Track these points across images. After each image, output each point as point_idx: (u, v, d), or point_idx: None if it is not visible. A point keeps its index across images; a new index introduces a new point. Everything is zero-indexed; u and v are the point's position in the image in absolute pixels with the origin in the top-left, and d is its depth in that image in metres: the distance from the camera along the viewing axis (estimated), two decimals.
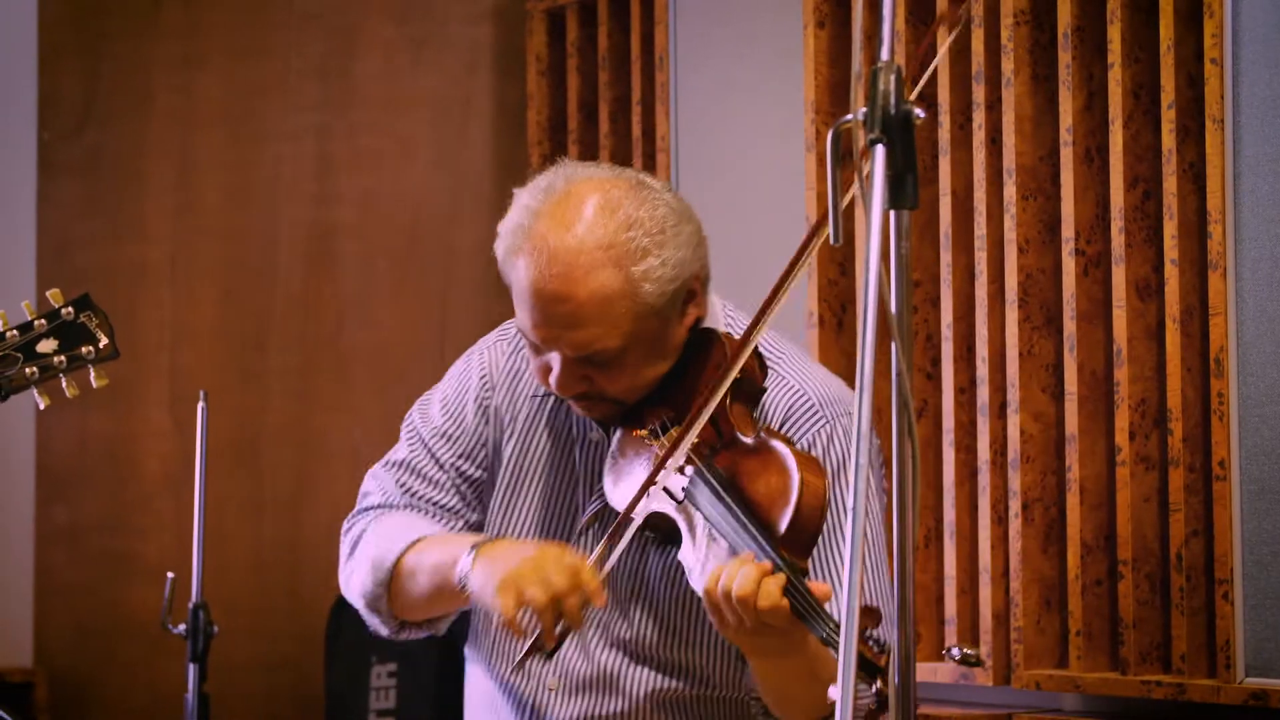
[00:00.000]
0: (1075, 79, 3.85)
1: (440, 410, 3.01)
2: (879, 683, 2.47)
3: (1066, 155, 3.85)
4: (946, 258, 4.05)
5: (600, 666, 2.89)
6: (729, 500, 2.67)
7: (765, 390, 2.84)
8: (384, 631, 2.97)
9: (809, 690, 2.70)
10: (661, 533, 2.79)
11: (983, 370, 3.96)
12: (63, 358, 3.18)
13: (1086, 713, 3.89)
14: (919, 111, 2.06)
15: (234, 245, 5.32)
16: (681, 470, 2.74)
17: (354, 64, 5.36)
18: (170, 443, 5.24)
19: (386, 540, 2.92)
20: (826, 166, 2.49)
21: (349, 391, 5.33)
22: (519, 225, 2.79)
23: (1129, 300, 3.75)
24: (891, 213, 2.06)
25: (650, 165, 4.85)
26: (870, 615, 2.61)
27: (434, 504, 2.99)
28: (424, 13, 5.38)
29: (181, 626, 3.83)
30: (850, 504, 1.96)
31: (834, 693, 1.94)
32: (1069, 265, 3.84)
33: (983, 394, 3.96)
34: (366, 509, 3.04)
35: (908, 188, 2.05)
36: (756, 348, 2.78)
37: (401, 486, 3.00)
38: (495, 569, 2.71)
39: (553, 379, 2.81)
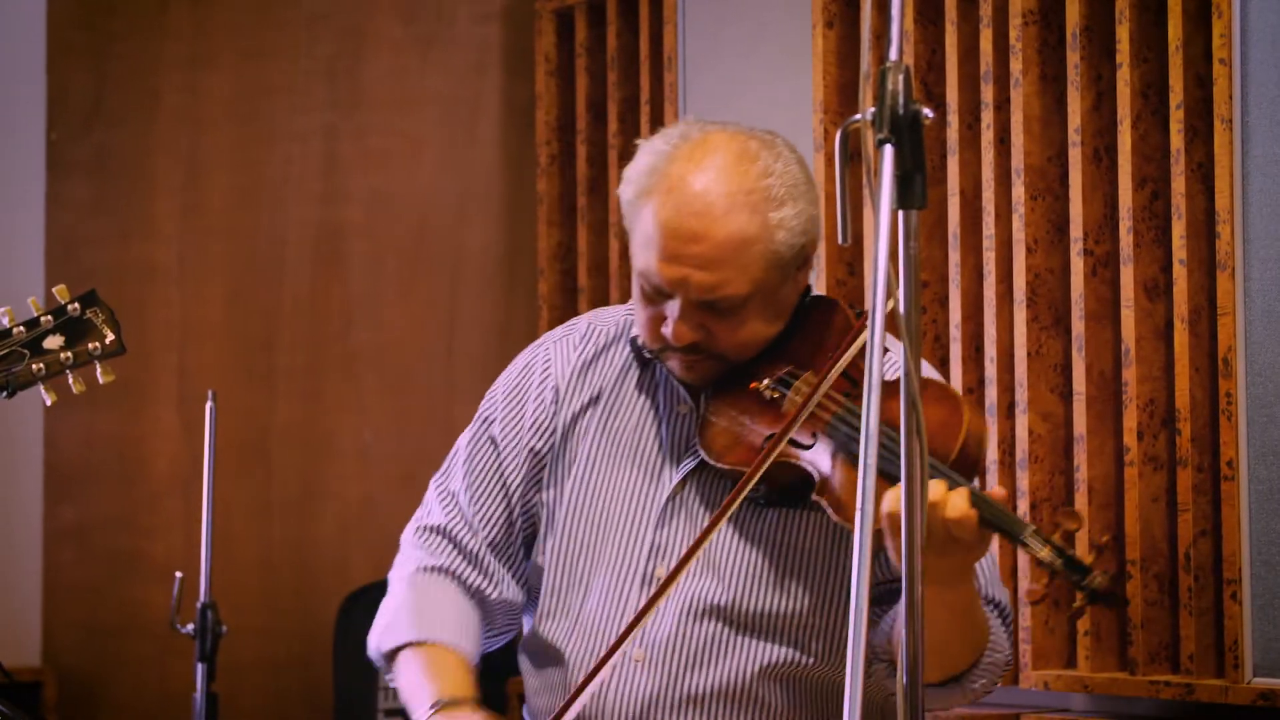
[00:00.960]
0: (1084, 79, 3.84)
1: (503, 396, 3.03)
2: (1094, 576, 2.50)
3: (1075, 155, 3.85)
4: (955, 258, 4.05)
5: (689, 636, 2.84)
6: (890, 433, 2.58)
7: (889, 350, 2.80)
8: (385, 677, 3.03)
9: (965, 631, 2.69)
10: (774, 489, 2.78)
11: (991, 370, 3.96)
12: (69, 354, 3.19)
13: (1095, 713, 3.89)
14: (927, 111, 2.06)
15: (242, 245, 5.33)
16: (814, 417, 2.72)
17: (362, 64, 5.36)
18: (178, 442, 5.25)
19: (396, 623, 2.96)
20: (835, 166, 2.49)
21: (357, 391, 5.33)
22: (652, 167, 2.79)
23: (1137, 300, 3.75)
24: (900, 212, 2.06)
25: None
26: (1073, 517, 2.60)
27: (468, 556, 3.00)
28: (432, 13, 5.38)
29: (190, 626, 3.84)
30: (861, 505, 1.96)
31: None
32: (1077, 265, 3.84)
33: (991, 394, 3.96)
34: (423, 542, 3.04)
35: (916, 188, 2.06)
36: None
37: (446, 512, 3.02)
38: None
39: (668, 327, 2.80)
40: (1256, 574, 3.55)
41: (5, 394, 3.18)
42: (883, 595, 2.81)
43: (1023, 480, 3.88)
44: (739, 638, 2.84)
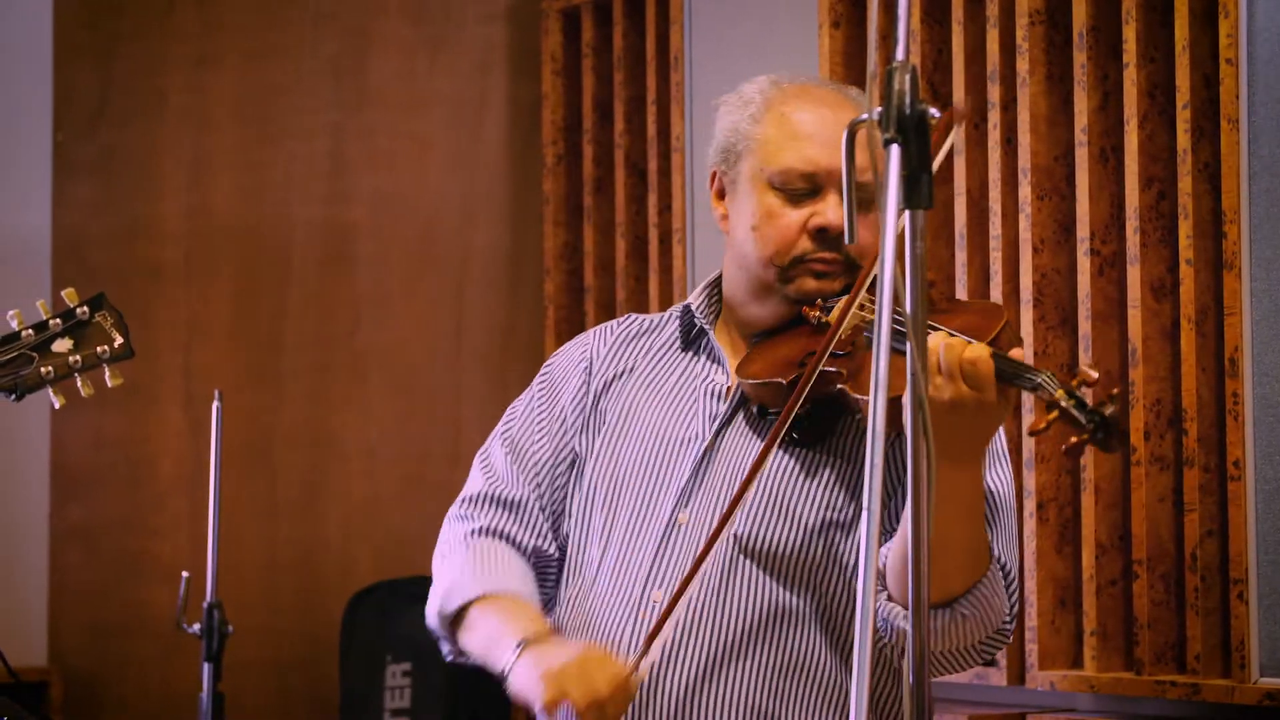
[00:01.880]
0: (1090, 79, 3.84)
1: (545, 373, 3.10)
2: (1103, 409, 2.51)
3: (1081, 155, 3.85)
4: (961, 257, 4.05)
5: (709, 569, 2.83)
6: (932, 326, 2.65)
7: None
8: (444, 649, 3.01)
9: (964, 540, 2.69)
10: (813, 410, 2.79)
11: None
12: (78, 357, 3.19)
13: (1101, 713, 3.89)
14: (934, 111, 2.06)
15: (248, 245, 5.33)
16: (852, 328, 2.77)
17: (368, 64, 5.36)
18: (185, 442, 5.25)
19: (461, 581, 2.96)
20: (841, 166, 2.49)
21: (363, 391, 5.33)
22: (764, 89, 2.94)
23: (1144, 300, 3.75)
24: (906, 212, 2.06)
25: (665, 164, 4.85)
26: (1093, 371, 2.61)
27: (513, 510, 3.02)
28: (439, 13, 5.38)
29: (196, 626, 3.84)
30: (868, 502, 1.96)
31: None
32: (1084, 265, 3.84)
33: None
34: (465, 512, 3.05)
35: (923, 187, 2.06)
36: None
37: (487, 478, 3.04)
38: (540, 664, 2.73)
39: (821, 218, 2.85)
40: (1263, 574, 3.55)
41: (14, 397, 3.18)
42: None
43: (1029, 480, 3.88)
44: (750, 570, 2.84)
